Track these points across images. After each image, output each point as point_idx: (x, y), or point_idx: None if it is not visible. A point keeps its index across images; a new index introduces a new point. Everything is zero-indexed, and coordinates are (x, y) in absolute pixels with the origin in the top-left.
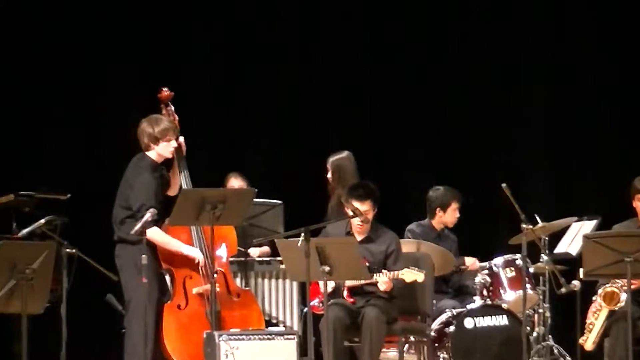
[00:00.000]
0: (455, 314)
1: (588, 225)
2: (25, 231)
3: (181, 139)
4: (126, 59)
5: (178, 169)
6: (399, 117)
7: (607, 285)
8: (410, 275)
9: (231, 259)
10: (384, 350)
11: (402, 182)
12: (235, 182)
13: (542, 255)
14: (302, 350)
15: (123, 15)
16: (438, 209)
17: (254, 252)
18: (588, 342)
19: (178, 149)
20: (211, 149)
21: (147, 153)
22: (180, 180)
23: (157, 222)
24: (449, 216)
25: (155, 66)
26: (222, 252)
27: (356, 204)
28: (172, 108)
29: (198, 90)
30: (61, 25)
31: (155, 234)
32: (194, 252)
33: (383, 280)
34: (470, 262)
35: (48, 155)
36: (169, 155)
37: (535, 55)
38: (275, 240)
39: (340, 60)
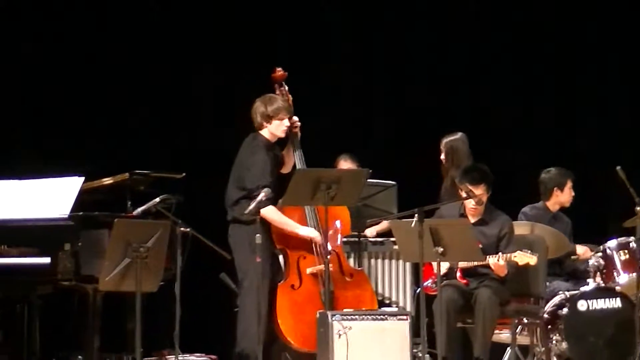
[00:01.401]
0: (568, 296)
1: None
2: (139, 210)
3: (295, 118)
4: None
5: (292, 148)
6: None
7: None
8: (523, 258)
9: (344, 239)
10: (496, 331)
11: (514, 164)
12: (345, 164)
13: None
14: (415, 331)
15: None
16: (555, 189)
17: (371, 232)
18: None
19: (292, 128)
20: (324, 130)
21: (260, 132)
22: (295, 160)
23: (272, 201)
24: (566, 195)
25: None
26: (335, 232)
27: (470, 187)
28: (286, 88)
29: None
30: None
31: (271, 213)
32: (311, 232)
33: (497, 263)
34: (582, 251)
35: (162, 134)
36: (282, 135)
37: None
38: (388, 220)
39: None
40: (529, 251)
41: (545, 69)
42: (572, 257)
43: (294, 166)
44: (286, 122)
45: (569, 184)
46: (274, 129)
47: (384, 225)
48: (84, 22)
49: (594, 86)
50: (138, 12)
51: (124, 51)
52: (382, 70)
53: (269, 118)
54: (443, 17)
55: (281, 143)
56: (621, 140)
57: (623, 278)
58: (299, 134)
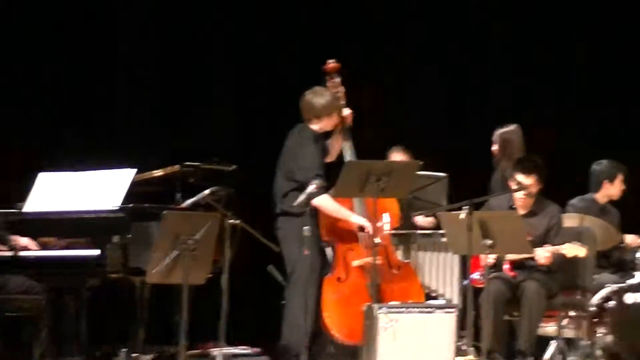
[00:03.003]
0: (615, 289)
1: None
2: (189, 202)
3: (348, 111)
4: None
5: (342, 139)
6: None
7: None
8: (572, 250)
9: (393, 231)
10: (542, 324)
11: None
12: (398, 157)
13: None
14: (461, 324)
15: None
16: (606, 181)
17: (419, 220)
18: None
19: (343, 119)
20: (376, 122)
21: (308, 124)
22: (344, 151)
23: (323, 190)
24: (616, 188)
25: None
26: (384, 224)
27: (521, 177)
28: (339, 80)
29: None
30: None
31: (325, 202)
32: (363, 221)
33: (542, 255)
34: (631, 239)
35: (212, 127)
36: (330, 128)
37: None
38: (438, 213)
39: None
40: (578, 243)
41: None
42: (621, 245)
43: (341, 156)
44: (335, 118)
45: (620, 177)
46: (323, 124)
47: (429, 219)
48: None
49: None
50: None
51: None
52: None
53: (318, 114)
54: None
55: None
56: None
57: None
58: (350, 125)
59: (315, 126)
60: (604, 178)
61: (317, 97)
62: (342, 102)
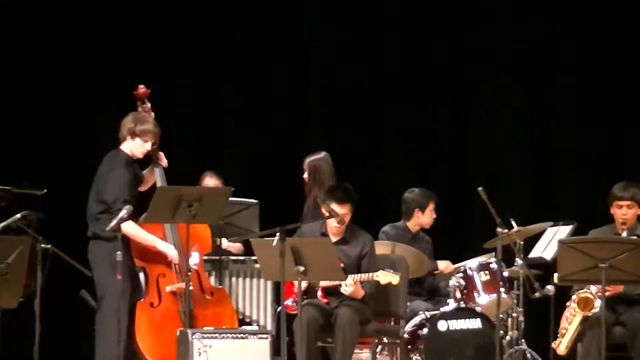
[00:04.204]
0: (428, 316)
1: (563, 231)
2: (0, 226)
3: (161, 154)
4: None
5: (153, 166)
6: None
7: (581, 290)
8: (385, 277)
9: (205, 257)
10: (356, 351)
11: (378, 183)
12: (211, 181)
13: (517, 259)
14: (275, 349)
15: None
16: (416, 210)
17: (226, 243)
18: (561, 346)
19: (154, 152)
20: (187, 148)
21: (121, 147)
22: (156, 177)
23: (132, 218)
24: (426, 217)
25: (133, 65)
26: (196, 250)
27: (335, 207)
28: (149, 105)
29: (174, 89)
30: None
31: (130, 228)
32: (169, 249)
33: (348, 283)
34: (443, 265)
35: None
36: (140, 155)
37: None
38: (250, 239)
39: (318, 58)
40: (391, 270)
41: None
42: (434, 272)
43: (155, 185)
44: (148, 146)
45: (431, 206)
46: (135, 147)
47: (237, 245)
48: None
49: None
50: None
51: None
52: (237, 90)
53: (133, 134)
54: None
55: (143, 163)
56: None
57: (483, 299)
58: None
59: (127, 148)
60: (415, 206)
61: (138, 119)
62: (158, 135)
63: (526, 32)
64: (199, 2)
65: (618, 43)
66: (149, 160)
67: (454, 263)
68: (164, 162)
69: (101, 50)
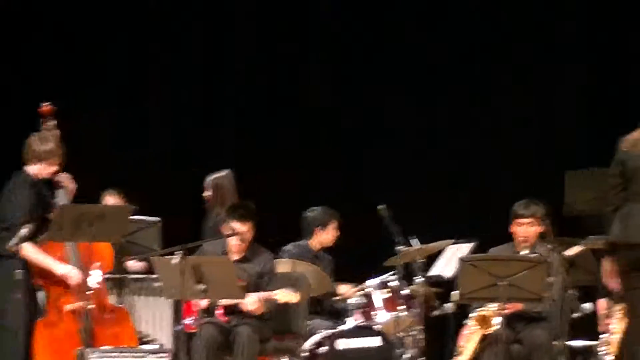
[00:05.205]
0: (327, 334)
1: (464, 248)
2: None
3: (65, 175)
4: None
5: (57, 186)
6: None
7: (480, 308)
8: (285, 296)
9: (106, 275)
10: None
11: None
12: (111, 199)
13: (417, 277)
14: None
15: None
16: (318, 228)
17: (130, 263)
18: None
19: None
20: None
21: (26, 168)
22: (58, 196)
23: (33, 237)
24: (328, 235)
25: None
26: (97, 268)
27: (236, 225)
28: (54, 122)
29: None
30: None
31: (28, 251)
32: (68, 271)
33: (251, 301)
34: (344, 290)
35: None
36: (46, 176)
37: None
38: (151, 257)
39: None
40: (291, 289)
41: None
42: (334, 297)
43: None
44: (54, 168)
45: (333, 224)
46: (41, 170)
47: (141, 264)
48: None
49: None
50: None
51: None
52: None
53: (38, 158)
54: None
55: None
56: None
57: (383, 316)
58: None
59: (34, 169)
60: (317, 225)
61: (42, 140)
62: (62, 154)
63: None
64: None
65: None
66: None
67: (356, 281)
68: (68, 184)
69: None
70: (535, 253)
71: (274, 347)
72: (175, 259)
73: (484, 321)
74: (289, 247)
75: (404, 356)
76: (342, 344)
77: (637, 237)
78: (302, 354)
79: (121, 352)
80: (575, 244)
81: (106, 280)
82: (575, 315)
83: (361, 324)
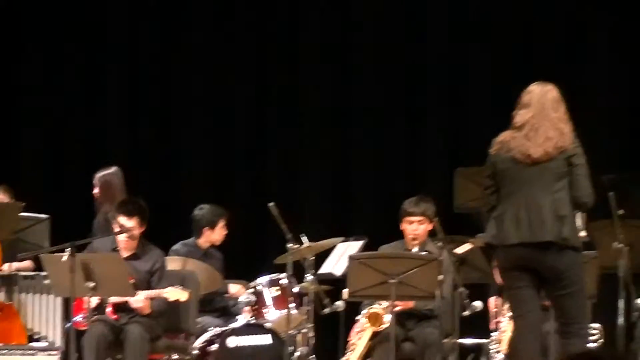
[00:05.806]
0: (218, 332)
1: (354, 246)
2: None
3: None
4: None
5: None
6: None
7: (371, 306)
8: (174, 294)
9: None
10: None
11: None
12: (0, 195)
13: (307, 275)
14: None
15: None
16: (207, 228)
17: (15, 266)
18: None
19: None
20: None
21: None
22: None
23: None
24: (216, 234)
25: None
26: None
27: (123, 220)
28: None
29: None
30: None
31: None
32: None
33: (137, 300)
34: (235, 289)
35: None
36: None
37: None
38: (40, 255)
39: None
40: (181, 287)
41: None
42: (226, 295)
43: None
44: None
45: (221, 223)
46: None
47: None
48: None
49: None
50: None
51: None
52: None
53: None
54: None
55: None
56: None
57: (274, 314)
58: None
59: None
60: (205, 224)
61: None
62: None
63: None
64: None
65: None
66: None
67: (247, 279)
68: None
69: None
70: (425, 251)
71: (164, 345)
72: (65, 256)
73: (375, 319)
74: (177, 246)
75: (294, 354)
76: (232, 341)
77: (511, 238)
78: (193, 352)
79: (10, 349)
80: (464, 242)
81: None
82: (466, 313)
83: (252, 321)
